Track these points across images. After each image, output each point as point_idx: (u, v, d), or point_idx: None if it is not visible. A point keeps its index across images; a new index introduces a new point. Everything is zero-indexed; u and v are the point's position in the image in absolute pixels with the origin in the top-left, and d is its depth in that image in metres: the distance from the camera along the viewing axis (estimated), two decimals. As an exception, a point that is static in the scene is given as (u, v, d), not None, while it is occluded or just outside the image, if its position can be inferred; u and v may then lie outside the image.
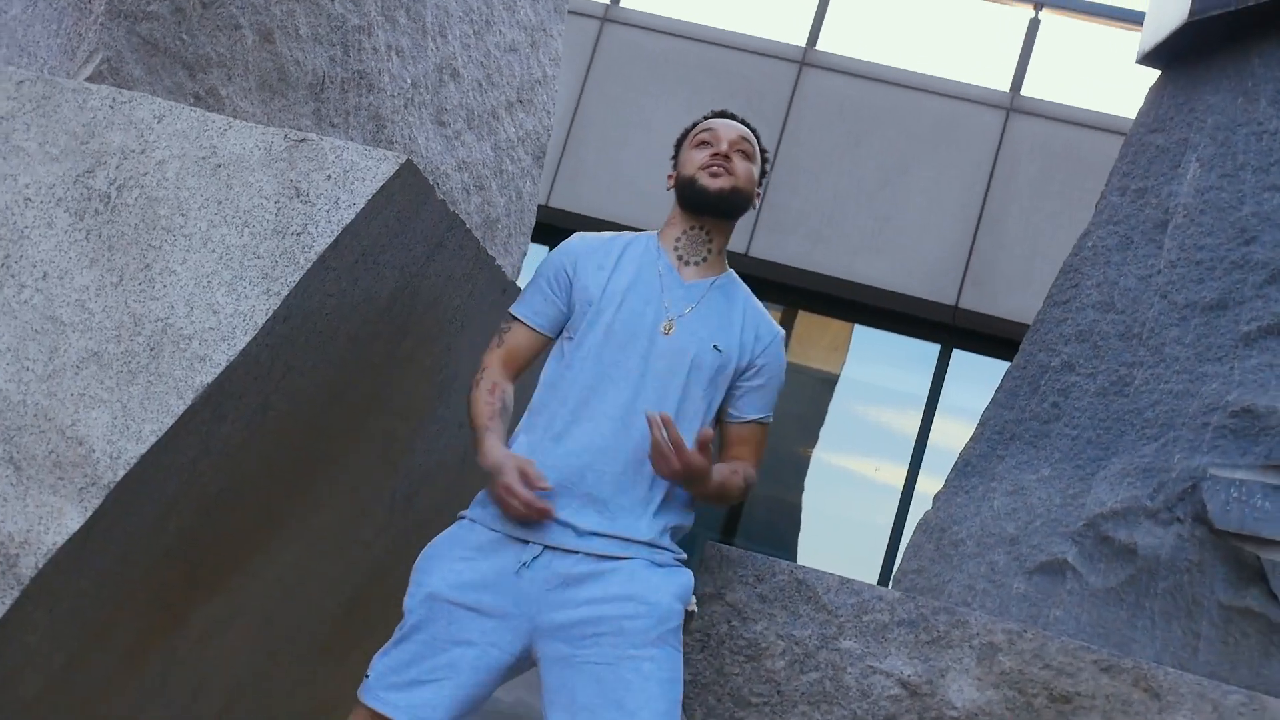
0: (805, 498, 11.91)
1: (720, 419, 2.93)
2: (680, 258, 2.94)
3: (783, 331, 3.00)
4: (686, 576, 2.76)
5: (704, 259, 2.95)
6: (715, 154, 2.92)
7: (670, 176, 3.02)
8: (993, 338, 10.73)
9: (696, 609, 3.10)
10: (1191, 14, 4.15)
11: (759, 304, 3.02)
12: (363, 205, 2.66)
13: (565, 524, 2.71)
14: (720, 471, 2.80)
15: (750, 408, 2.93)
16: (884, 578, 10.74)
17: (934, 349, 11.15)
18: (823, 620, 3.07)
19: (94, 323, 2.64)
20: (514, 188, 4.72)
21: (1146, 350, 3.94)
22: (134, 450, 2.56)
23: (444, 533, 2.82)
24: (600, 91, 11.16)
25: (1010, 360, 4.43)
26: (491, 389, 2.85)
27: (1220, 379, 3.66)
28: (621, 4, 11.58)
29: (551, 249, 3.01)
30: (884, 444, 11.50)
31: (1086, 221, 9.80)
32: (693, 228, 2.95)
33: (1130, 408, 3.89)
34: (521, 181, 4.79)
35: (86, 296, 2.66)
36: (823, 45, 11.34)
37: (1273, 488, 3.38)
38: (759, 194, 3.02)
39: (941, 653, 3.01)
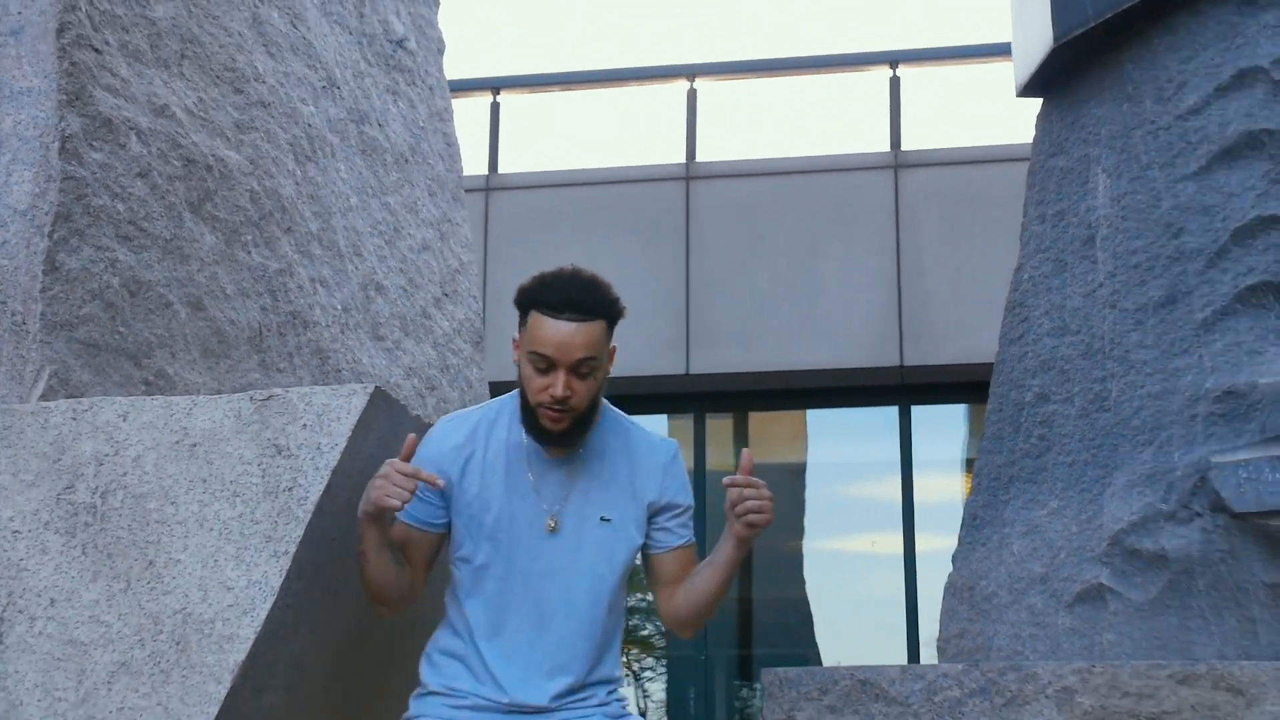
0: (810, 590, 11.87)
1: (647, 554, 2.89)
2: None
3: (675, 445, 2.95)
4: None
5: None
6: (554, 396, 2.68)
7: (515, 344, 2.79)
8: (944, 385, 10.83)
9: None
10: (1055, 39, 4.29)
11: (641, 433, 2.92)
12: (344, 444, 2.67)
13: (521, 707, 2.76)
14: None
15: (680, 536, 2.89)
16: (911, 646, 10.69)
17: (891, 412, 11.23)
18: (897, 713, 3.06)
19: (113, 634, 2.62)
20: (463, 379, 4.74)
21: (1113, 361, 4.00)
22: (187, 748, 2.52)
23: None
24: (502, 259, 11.27)
25: (967, 402, 4.50)
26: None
27: (1193, 370, 3.72)
28: (500, 170, 11.75)
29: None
30: (871, 517, 11.51)
31: (999, 249, 10.01)
32: None
33: (1115, 420, 3.94)
34: (468, 370, 4.82)
35: (99, 610, 2.63)
36: (702, 156, 11.55)
37: (1277, 460, 3.42)
38: (610, 358, 2.80)
39: (1020, 711, 3.00)
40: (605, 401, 2.89)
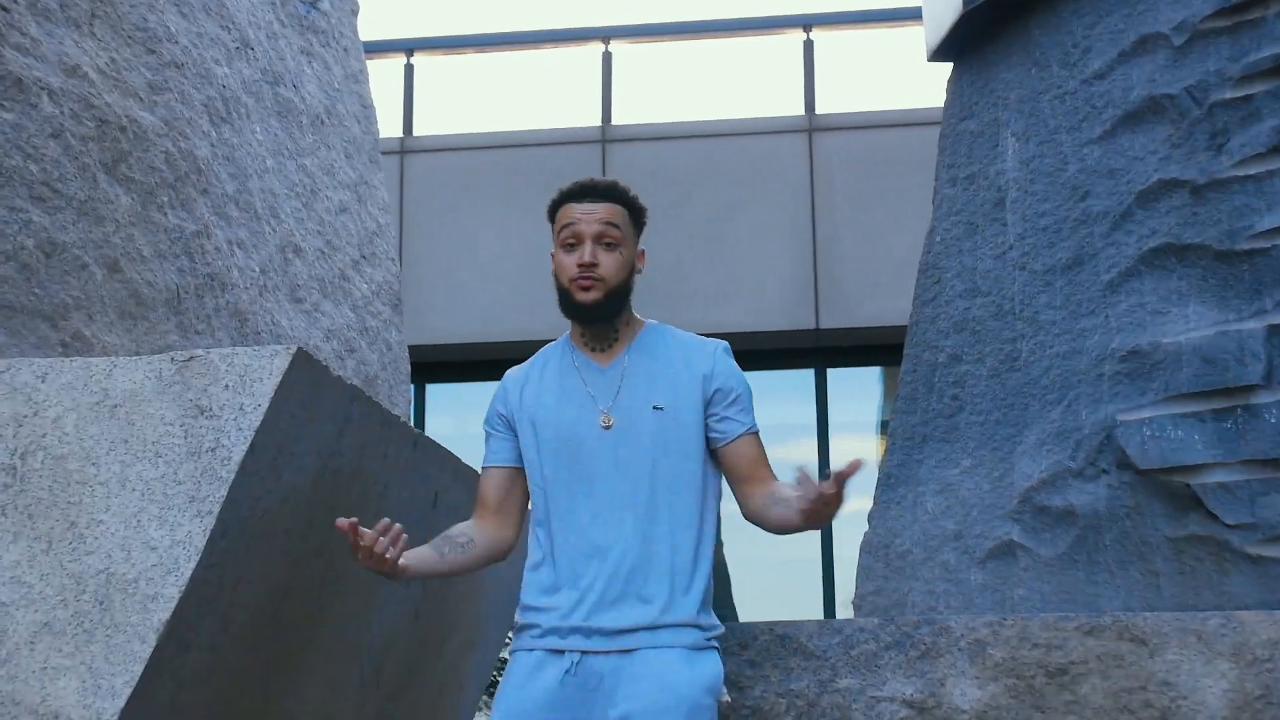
0: (726, 552, 11.96)
1: (712, 450, 2.97)
2: (592, 348, 2.98)
3: (724, 343, 3.05)
4: (716, 666, 2.81)
5: (614, 339, 2.98)
6: (580, 263, 2.90)
7: (553, 256, 3.00)
8: (860, 348, 10.96)
9: (729, 698, 3.12)
10: (965, 4, 4.36)
11: (688, 335, 3.05)
12: (267, 405, 2.67)
13: (598, 629, 2.79)
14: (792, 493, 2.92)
15: (741, 423, 2.97)
16: (828, 605, 10.84)
17: (808, 375, 11.34)
18: (815, 667, 3.13)
19: (35, 594, 2.61)
20: (382, 341, 4.74)
21: (1023, 323, 4.09)
22: (112, 707, 2.53)
23: (506, 669, 2.89)
24: (418, 222, 11.21)
25: (883, 365, 4.57)
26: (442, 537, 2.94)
27: (1099, 330, 3.82)
28: (415, 133, 11.67)
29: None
30: (787, 478, 11.62)
31: (913, 214, 10.14)
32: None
33: (1025, 380, 4.04)
34: (387, 333, 4.81)
35: (20, 571, 2.62)
36: (617, 119, 11.54)
37: (1179, 417, 3.53)
38: (640, 259, 3.03)
39: (935, 663, 3.08)
40: (653, 321, 3.06)
